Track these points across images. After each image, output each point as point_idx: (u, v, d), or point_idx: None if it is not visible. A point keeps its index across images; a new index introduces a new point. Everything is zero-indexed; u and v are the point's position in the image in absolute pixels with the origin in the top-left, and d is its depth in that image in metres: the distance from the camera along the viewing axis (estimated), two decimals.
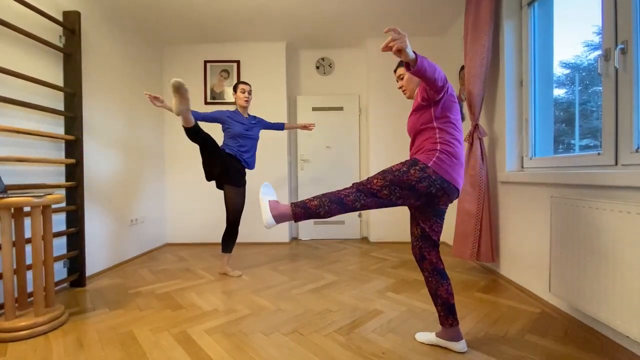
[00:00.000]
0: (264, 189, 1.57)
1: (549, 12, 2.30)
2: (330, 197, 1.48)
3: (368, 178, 1.50)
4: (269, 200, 1.53)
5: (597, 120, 1.96)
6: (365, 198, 1.47)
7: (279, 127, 3.14)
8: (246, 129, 2.82)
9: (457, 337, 1.57)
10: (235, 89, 2.89)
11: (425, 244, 1.60)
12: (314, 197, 1.50)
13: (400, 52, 1.23)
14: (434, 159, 1.45)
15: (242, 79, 4.05)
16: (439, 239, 1.61)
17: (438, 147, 1.48)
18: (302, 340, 1.70)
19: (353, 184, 1.51)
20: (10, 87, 2.12)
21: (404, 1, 3.11)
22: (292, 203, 1.51)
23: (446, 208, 1.59)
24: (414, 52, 1.26)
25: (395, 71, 1.79)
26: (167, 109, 2.53)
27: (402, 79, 1.73)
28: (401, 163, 1.49)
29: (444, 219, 1.60)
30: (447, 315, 1.57)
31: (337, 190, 1.51)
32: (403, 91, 1.75)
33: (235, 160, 2.76)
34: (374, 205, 1.49)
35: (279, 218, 1.50)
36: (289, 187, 4.17)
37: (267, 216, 1.49)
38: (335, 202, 1.47)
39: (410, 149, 1.64)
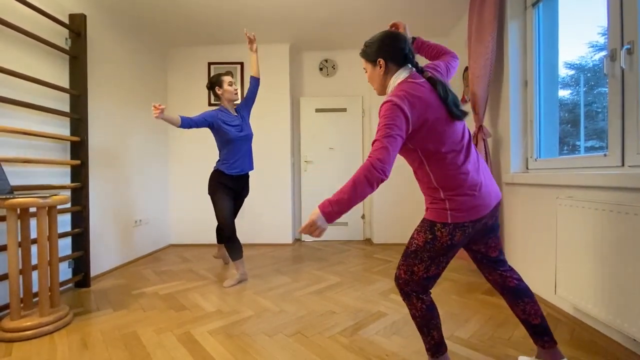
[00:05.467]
0: None
1: (554, 13, 2.28)
2: (422, 323, 1.30)
3: (401, 271, 1.28)
4: None
5: (602, 122, 1.94)
6: (423, 290, 1.28)
7: (255, 84, 2.67)
8: (240, 130, 2.55)
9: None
10: (219, 83, 2.54)
11: (487, 267, 1.39)
12: (424, 340, 1.32)
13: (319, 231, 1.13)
14: (448, 214, 1.20)
15: (245, 81, 4.06)
16: (499, 254, 1.39)
17: (443, 197, 1.21)
18: (305, 341, 1.70)
19: (400, 290, 1.30)
20: (17, 89, 2.14)
21: (407, 2, 3.11)
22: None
23: (495, 222, 1.34)
24: (323, 216, 1.11)
25: None
26: (166, 122, 2.27)
27: (366, 72, 1.41)
28: (417, 231, 1.26)
29: (497, 231, 1.38)
30: (538, 336, 1.34)
31: (413, 318, 1.32)
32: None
33: (243, 178, 2.69)
34: (433, 282, 1.29)
35: None
36: (292, 189, 4.17)
37: None
38: (424, 319, 1.28)
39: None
